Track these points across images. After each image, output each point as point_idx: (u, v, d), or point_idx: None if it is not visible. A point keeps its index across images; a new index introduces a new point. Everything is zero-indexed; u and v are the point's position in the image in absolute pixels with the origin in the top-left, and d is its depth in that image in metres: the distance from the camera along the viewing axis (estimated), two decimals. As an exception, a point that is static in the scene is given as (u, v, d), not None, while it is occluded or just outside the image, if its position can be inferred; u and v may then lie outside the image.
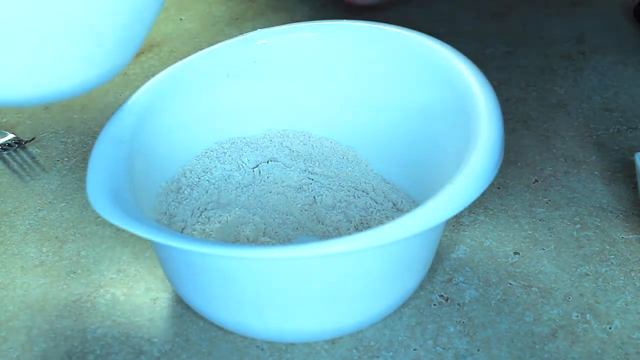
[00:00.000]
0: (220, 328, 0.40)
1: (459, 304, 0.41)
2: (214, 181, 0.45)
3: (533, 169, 0.51)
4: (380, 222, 0.44)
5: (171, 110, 0.43)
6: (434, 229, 0.36)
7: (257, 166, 0.47)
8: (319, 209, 0.46)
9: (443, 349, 0.38)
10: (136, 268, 0.44)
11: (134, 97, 0.41)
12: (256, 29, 0.46)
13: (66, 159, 0.53)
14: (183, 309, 0.41)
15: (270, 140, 0.48)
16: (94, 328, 0.40)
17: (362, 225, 0.45)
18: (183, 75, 0.44)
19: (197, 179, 0.45)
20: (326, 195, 0.46)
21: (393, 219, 0.35)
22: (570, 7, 0.73)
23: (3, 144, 0.55)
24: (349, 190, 0.46)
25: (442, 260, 0.43)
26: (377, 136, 0.46)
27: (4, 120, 0.58)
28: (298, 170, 0.47)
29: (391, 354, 0.38)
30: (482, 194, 0.35)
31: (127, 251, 0.45)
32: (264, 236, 0.44)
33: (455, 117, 0.39)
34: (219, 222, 0.44)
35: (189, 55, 0.45)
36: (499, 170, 0.35)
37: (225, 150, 0.47)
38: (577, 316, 0.40)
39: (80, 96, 0.36)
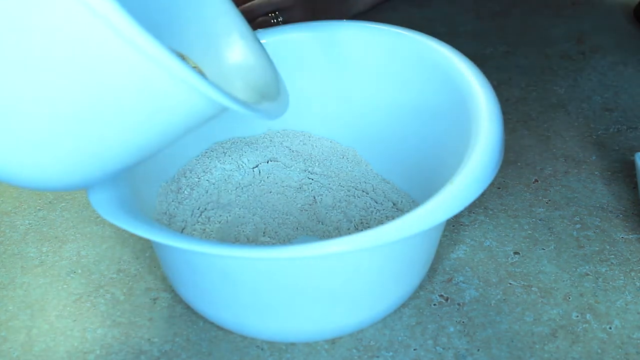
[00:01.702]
0: (220, 328, 0.40)
1: (459, 304, 0.40)
2: (214, 181, 0.45)
3: (533, 169, 0.51)
4: (380, 222, 0.44)
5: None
6: (434, 229, 0.36)
7: (257, 166, 0.47)
8: (319, 209, 0.46)
9: (443, 349, 0.38)
10: (136, 268, 0.44)
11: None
12: (256, 29, 0.46)
13: (66, 159, 0.54)
14: (183, 309, 0.41)
15: (270, 140, 0.48)
16: (94, 328, 0.40)
17: (362, 225, 0.45)
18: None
19: (197, 179, 0.45)
20: (326, 195, 0.46)
21: (393, 219, 0.35)
22: (570, 7, 0.73)
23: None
24: (349, 190, 0.46)
25: (442, 260, 0.43)
26: (377, 136, 0.46)
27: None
28: (298, 170, 0.47)
29: (391, 354, 0.38)
30: (482, 194, 0.35)
31: (127, 251, 0.45)
32: (264, 236, 0.44)
33: (455, 117, 0.39)
34: (219, 222, 0.44)
35: (189, 55, 0.45)
36: (499, 170, 0.35)
37: (225, 150, 0.47)
38: (577, 316, 0.40)
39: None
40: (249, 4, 0.64)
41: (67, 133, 0.28)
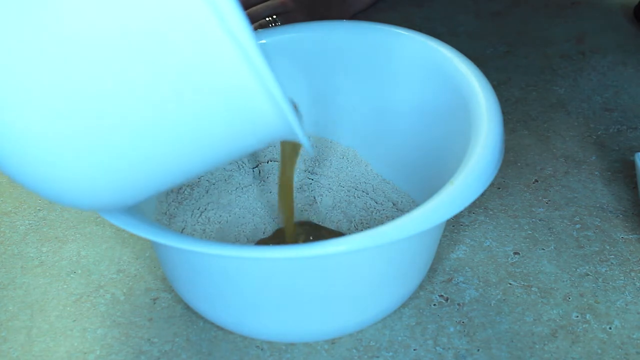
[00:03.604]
0: (220, 328, 0.40)
1: (459, 304, 0.41)
2: (214, 181, 0.45)
3: (533, 169, 0.51)
4: (380, 222, 0.44)
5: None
6: (434, 229, 0.36)
7: (257, 166, 0.47)
8: (319, 209, 0.46)
9: (443, 349, 0.38)
10: (136, 268, 0.44)
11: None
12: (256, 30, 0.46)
13: (66, 159, 0.53)
14: (183, 309, 0.41)
15: (270, 140, 0.48)
16: (94, 328, 0.40)
17: (362, 225, 0.45)
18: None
19: (197, 179, 0.45)
20: (326, 195, 0.46)
21: (393, 219, 0.35)
22: (570, 7, 0.73)
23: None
24: (349, 190, 0.46)
25: (442, 260, 0.43)
26: (377, 136, 0.46)
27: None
28: (298, 170, 0.47)
29: (391, 354, 0.38)
30: (482, 194, 0.35)
31: (127, 251, 0.45)
32: (263, 236, 0.44)
33: (455, 117, 0.39)
34: (219, 222, 0.44)
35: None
36: (499, 170, 0.35)
37: (225, 150, 0.47)
38: (577, 316, 0.40)
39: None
40: (250, 9, 0.64)
41: (155, 154, 0.27)
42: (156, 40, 0.24)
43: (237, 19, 0.24)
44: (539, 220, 0.46)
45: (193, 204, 0.44)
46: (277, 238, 0.44)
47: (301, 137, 0.28)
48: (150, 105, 0.26)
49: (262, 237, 0.44)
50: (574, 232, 0.45)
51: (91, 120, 0.25)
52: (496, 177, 0.49)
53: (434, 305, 0.41)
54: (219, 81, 0.25)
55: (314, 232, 0.45)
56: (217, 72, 0.25)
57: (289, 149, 0.39)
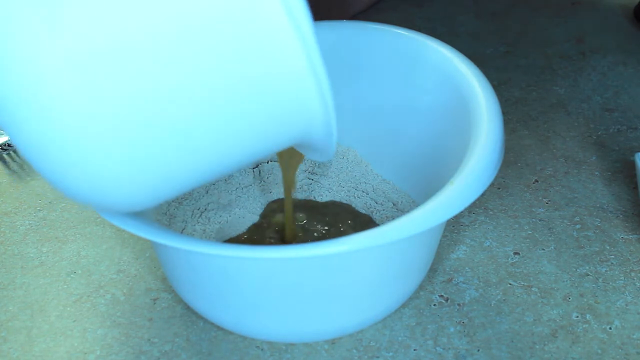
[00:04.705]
0: (220, 328, 0.40)
1: (459, 304, 0.41)
2: (214, 181, 0.45)
3: (533, 169, 0.51)
4: (381, 222, 0.44)
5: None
6: (434, 230, 0.36)
7: (257, 166, 0.47)
8: (319, 209, 0.46)
9: (443, 349, 0.38)
10: (136, 268, 0.44)
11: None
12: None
13: (66, 159, 0.53)
14: (183, 309, 0.41)
15: (270, 141, 0.48)
16: (94, 328, 0.40)
17: (362, 225, 0.44)
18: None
19: (197, 179, 0.45)
20: (326, 195, 0.46)
21: (393, 219, 0.35)
22: (570, 7, 0.73)
23: (3, 144, 0.55)
24: (349, 191, 0.46)
25: (442, 260, 0.43)
26: (377, 136, 0.46)
27: (4, 120, 0.58)
28: (298, 170, 0.47)
29: (391, 354, 0.38)
30: (482, 194, 0.35)
31: (127, 251, 0.45)
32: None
33: (455, 117, 0.39)
34: (219, 223, 0.44)
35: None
36: (499, 170, 0.35)
37: (225, 151, 0.46)
38: (577, 316, 0.40)
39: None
40: None
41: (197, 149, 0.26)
42: (218, 28, 0.24)
43: (302, 8, 0.24)
44: (539, 221, 0.46)
45: (193, 204, 0.44)
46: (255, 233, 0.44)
47: (333, 135, 0.28)
48: (200, 98, 0.25)
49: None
50: (574, 232, 0.45)
51: (139, 113, 0.24)
52: (496, 177, 0.49)
53: (434, 305, 0.41)
54: (271, 70, 0.25)
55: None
56: (272, 60, 0.25)
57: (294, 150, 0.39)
